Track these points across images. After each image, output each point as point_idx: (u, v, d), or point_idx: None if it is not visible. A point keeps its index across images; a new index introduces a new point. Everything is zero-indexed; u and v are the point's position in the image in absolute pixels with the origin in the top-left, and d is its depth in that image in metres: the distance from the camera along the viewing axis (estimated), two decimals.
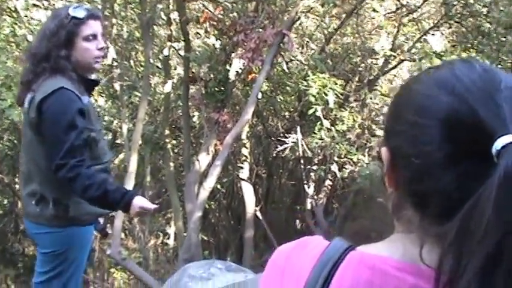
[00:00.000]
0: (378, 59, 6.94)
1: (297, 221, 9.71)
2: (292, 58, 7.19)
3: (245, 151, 7.51)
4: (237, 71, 6.16)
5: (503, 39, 5.87)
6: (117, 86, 7.90)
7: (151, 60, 7.51)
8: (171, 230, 9.11)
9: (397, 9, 6.78)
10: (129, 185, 6.24)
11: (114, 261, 6.72)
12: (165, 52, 7.69)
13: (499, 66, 5.57)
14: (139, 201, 2.52)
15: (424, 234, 0.72)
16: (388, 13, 6.90)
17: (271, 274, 0.82)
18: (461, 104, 0.69)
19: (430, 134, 0.69)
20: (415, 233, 0.74)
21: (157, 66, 8.53)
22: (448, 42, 6.36)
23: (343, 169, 6.65)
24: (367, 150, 6.39)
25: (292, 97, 7.36)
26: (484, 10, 6.02)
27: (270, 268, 0.83)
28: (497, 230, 0.62)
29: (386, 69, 6.95)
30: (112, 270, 8.52)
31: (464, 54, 6.02)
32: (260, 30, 5.93)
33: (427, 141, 0.70)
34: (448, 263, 0.65)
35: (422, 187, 0.71)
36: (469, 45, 6.09)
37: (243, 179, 7.54)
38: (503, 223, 0.62)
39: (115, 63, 7.95)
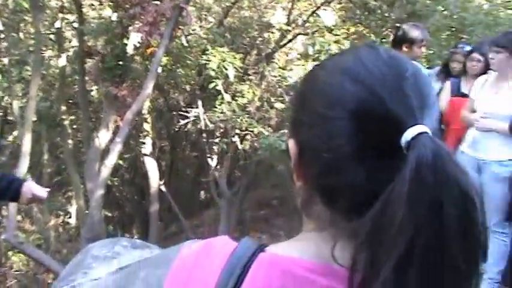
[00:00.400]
0: (274, 32, 7.14)
1: (201, 193, 9.88)
2: (191, 32, 7.19)
3: (147, 126, 7.46)
4: (135, 45, 6.06)
5: (387, 15, 6.29)
6: (5, 60, 7.45)
7: (43, 32, 7.15)
8: (72, 208, 8.89)
9: None
10: (24, 165, 6.00)
11: (11, 245, 6.47)
12: (57, 24, 7.35)
13: (383, 40, 5.98)
14: (29, 188, 2.36)
15: (336, 232, 0.68)
16: None
17: (176, 282, 0.76)
18: (369, 94, 0.66)
19: (339, 126, 0.66)
20: (327, 230, 0.70)
21: (51, 39, 8.13)
22: (339, 17, 6.69)
23: (245, 141, 6.85)
24: (266, 122, 6.62)
25: (193, 71, 7.38)
26: None
27: (173, 276, 0.77)
28: (411, 226, 0.59)
29: (282, 43, 7.18)
30: (10, 253, 8.18)
31: (353, 29, 6.39)
32: (157, 3, 5.87)
33: (336, 134, 0.67)
34: (362, 261, 0.62)
35: (332, 181, 0.68)
36: (357, 21, 6.45)
37: (146, 154, 7.52)
38: (415, 218, 0.59)
39: (2, 36, 7.48)
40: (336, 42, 5.65)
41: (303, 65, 5.52)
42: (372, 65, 0.68)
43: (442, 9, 5.99)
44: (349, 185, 0.66)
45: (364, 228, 0.61)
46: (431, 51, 5.74)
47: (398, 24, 4.64)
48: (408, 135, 0.63)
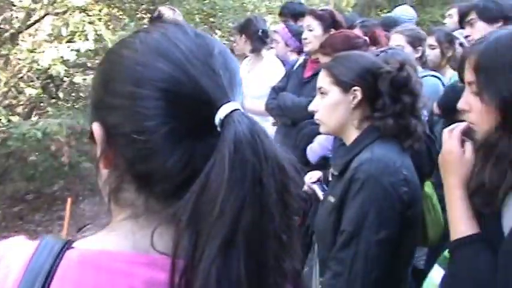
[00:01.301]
0: (18, 11, 6.47)
1: None
2: None
3: None
4: None
5: None
6: None
7: None
8: None
9: None
10: None
11: None
12: None
13: (139, 23, 5.96)
14: None
15: (154, 218, 0.66)
16: None
17: None
18: (180, 72, 0.65)
19: (152, 108, 0.64)
20: (143, 217, 0.67)
21: None
22: None
23: None
24: (15, 110, 6.01)
25: None
26: None
27: None
28: (234, 205, 0.58)
29: (29, 23, 6.55)
30: None
31: (106, 10, 6.19)
32: None
33: (148, 114, 0.64)
34: (184, 247, 0.59)
35: (147, 166, 0.65)
36: (110, 2, 6.27)
37: None
38: (238, 196, 0.59)
39: None
40: (91, 23, 5.41)
41: (56, 47, 5.13)
42: (181, 43, 0.67)
43: None
44: (166, 168, 0.64)
45: (184, 211, 0.59)
46: None
47: (153, 7, 4.67)
48: (222, 113, 0.63)
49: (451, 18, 4.94)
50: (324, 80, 1.78)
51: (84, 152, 5.73)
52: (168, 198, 0.64)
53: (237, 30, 4.05)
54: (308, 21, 3.43)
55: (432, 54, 3.50)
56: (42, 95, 6.01)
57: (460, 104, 1.28)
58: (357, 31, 3.63)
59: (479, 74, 1.21)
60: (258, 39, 4.00)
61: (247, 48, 4.04)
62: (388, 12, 13.39)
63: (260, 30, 4.01)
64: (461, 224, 1.23)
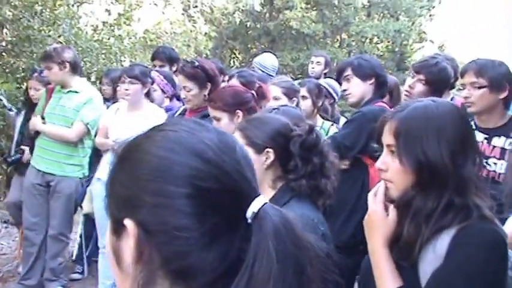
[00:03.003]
0: None
1: None
2: None
3: None
4: None
5: None
6: None
7: None
8: None
9: None
10: None
11: None
12: None
13: None
14: None
15: None
16: None
17: None
18: (213, 169, 0.67)
19: (188, 205, 0.66)
20: None
21: None
22: None
23: None
24: None
25: None
26: None
27: None
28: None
29: None
30: None
31: None
32: None
33: (186, 213, 0.66)
34: None
35: (184, 263, 0.66)
36: None
37: None
38: (283, 279, 0.63)
39: None
40: None
41: None
42: (208, 140, 0.70)
43: (57, 35, 6.01)
44: (203, 263, 0.66)
45: None
46: None
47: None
48: (255, 206, 0.68)
49: (320, 65, 5.43)
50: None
51: None
52: None
53: (131, 77, 3.86)
54: (183, 81, 3.43)
55: (304, 105, 3.77)
56: None
57: (378, 164, 1.41)
58: (235, 81, 3.78)
59: (399, 139, 1.34)
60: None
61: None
62: (241, 55, 14.13)
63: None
64: (386, 280, 1.32)
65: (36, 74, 4.57)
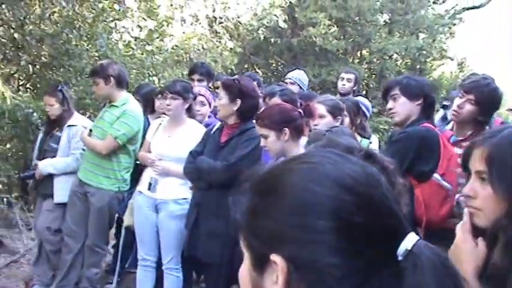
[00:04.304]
0: None
1: None
2: None
3: None
4: None
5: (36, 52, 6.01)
6: None
7: None
8: None
9: None
10: None
11: None
12: None
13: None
14: None
15: None
16: None
17: None
18: (365, 203, 0.67)
19: (340, 240, 0.65)
20: None
21: None
22: None
23: None
24: None
25: None
26: None
27: None
28: None
29: None
30: None
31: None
32: None
33: (336, 248, 0.65)
34: None
35: None
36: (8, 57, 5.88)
37: None
38: None
39: None
40: None
41: None
42: (356, 174, 0.70)
43: (94, 49, 6.17)
44: None
45: None
46: None
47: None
48: (408, 243, 0.67)
49: (350, 82, 5.53)
50: None
51: None
52: None
53: (173, 93, 3.91)
54: (219, 90, 3.55)
55: (343, 123, 3.85)
56: None
57: (466, 190, 1.34)
58: (277, 99, 3.87)
59: (492, 166, 1.27)
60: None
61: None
62: (261, 70, 14.20)
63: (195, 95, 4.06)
64: None
65: (50, 90, 4.64)
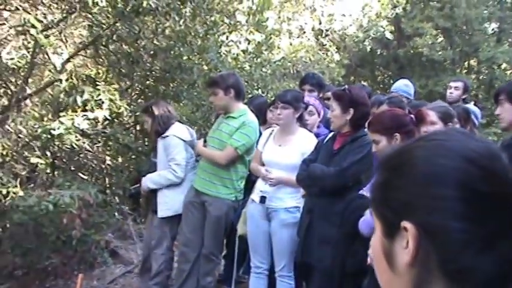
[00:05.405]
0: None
1: None
2: None
3: None
4: None
5: (150, 66, 6.21)
6: None
7: None
8: None
9: None
10: None
11: None
12: None
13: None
14: None
15: None
16: None
17: None
18: (488, 175, 0.71)
19: (470, 208, 0.69)
20: None
21: None
22: (102, 66, 6.32)
23: None
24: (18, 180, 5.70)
25: None
26: None
27: None
28: None
29: (35, 90, 6.36)
30: None
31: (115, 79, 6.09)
32: None
33: (467, 216, 0.69)
34: None
35: (458, 265, 0.70)
36: (122, 72, 6.16)
37: None
38: None
39: None
40: (104, 92, 5.28)
41: (71, 118, 4.94)
42: (480, 149, 0.74)
43: (205, 62, 6.24)
44: (478, 267, 0.69)
45: None
46: None
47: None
48: None
49: (458, 90, 5.44)
50: None
51: (91, 225, 5.44)
52: None
53: (284, 102, 3.91)
54: (331, 101, 3.57)
55: None
56: (47, 165, 5.76)
57: None
58: (385, 107, 3.77)
59: None
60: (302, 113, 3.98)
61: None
62: (367, 81, 13.95)
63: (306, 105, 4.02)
64: None
65: (143, 108, 4.76)
